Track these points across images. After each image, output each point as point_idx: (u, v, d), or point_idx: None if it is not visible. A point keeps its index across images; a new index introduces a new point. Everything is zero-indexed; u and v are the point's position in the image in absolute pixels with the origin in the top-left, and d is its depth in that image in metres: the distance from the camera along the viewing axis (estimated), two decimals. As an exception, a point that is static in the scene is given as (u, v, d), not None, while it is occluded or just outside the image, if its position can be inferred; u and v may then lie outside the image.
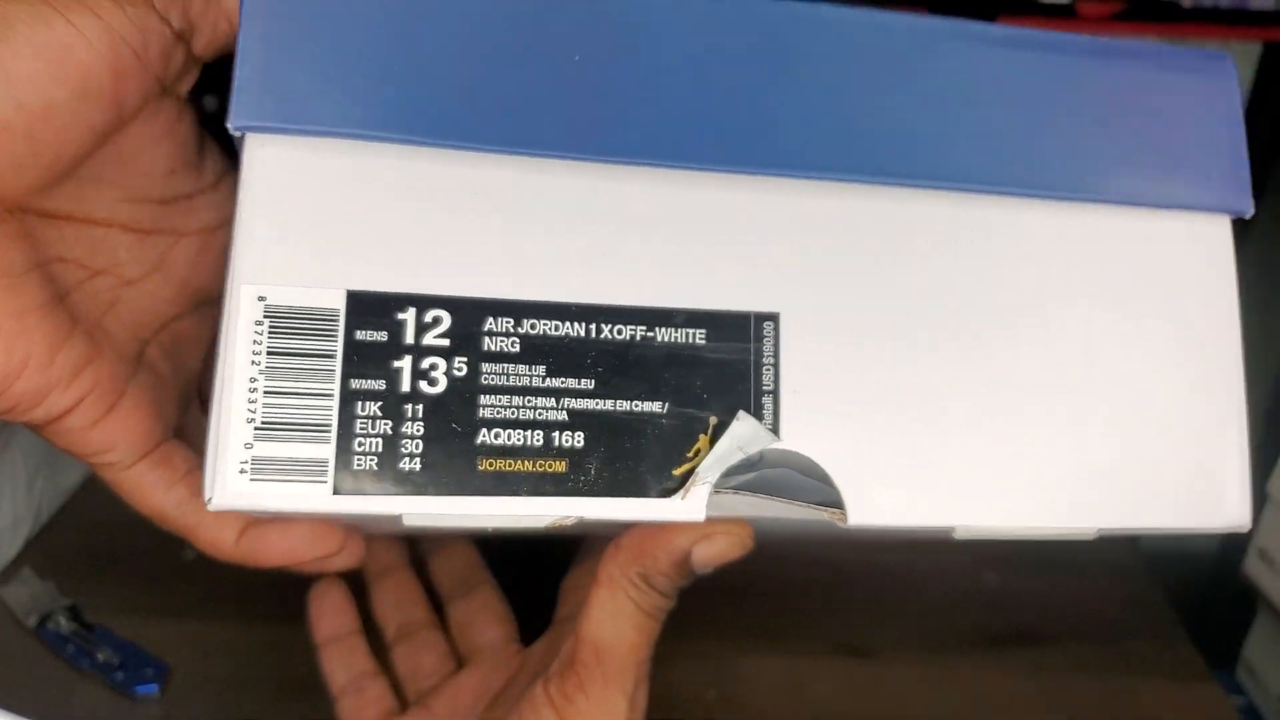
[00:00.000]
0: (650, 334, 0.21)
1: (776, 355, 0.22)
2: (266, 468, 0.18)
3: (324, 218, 0.20)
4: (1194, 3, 0.74)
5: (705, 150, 0.21)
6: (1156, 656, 0.60)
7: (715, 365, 0.21)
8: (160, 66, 0.22)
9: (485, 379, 0.20)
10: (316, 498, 0.19)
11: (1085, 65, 0.25)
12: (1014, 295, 0.24)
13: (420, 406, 0.20)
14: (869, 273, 0.23)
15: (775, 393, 0.22)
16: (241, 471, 0.18)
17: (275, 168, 0.19)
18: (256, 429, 0.18)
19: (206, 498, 0.19)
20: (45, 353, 0.21)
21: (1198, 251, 0.27)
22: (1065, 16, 0.76)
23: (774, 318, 0.22)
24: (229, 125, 0.20)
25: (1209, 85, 0.26)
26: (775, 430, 0.22)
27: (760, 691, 0.55)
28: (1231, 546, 0.79)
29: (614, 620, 0.26)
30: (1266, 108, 0.77)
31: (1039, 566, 0.68)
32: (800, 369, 0.22)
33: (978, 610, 0.64)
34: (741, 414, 0.21)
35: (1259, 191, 0.77)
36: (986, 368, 0.24)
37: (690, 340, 0.21)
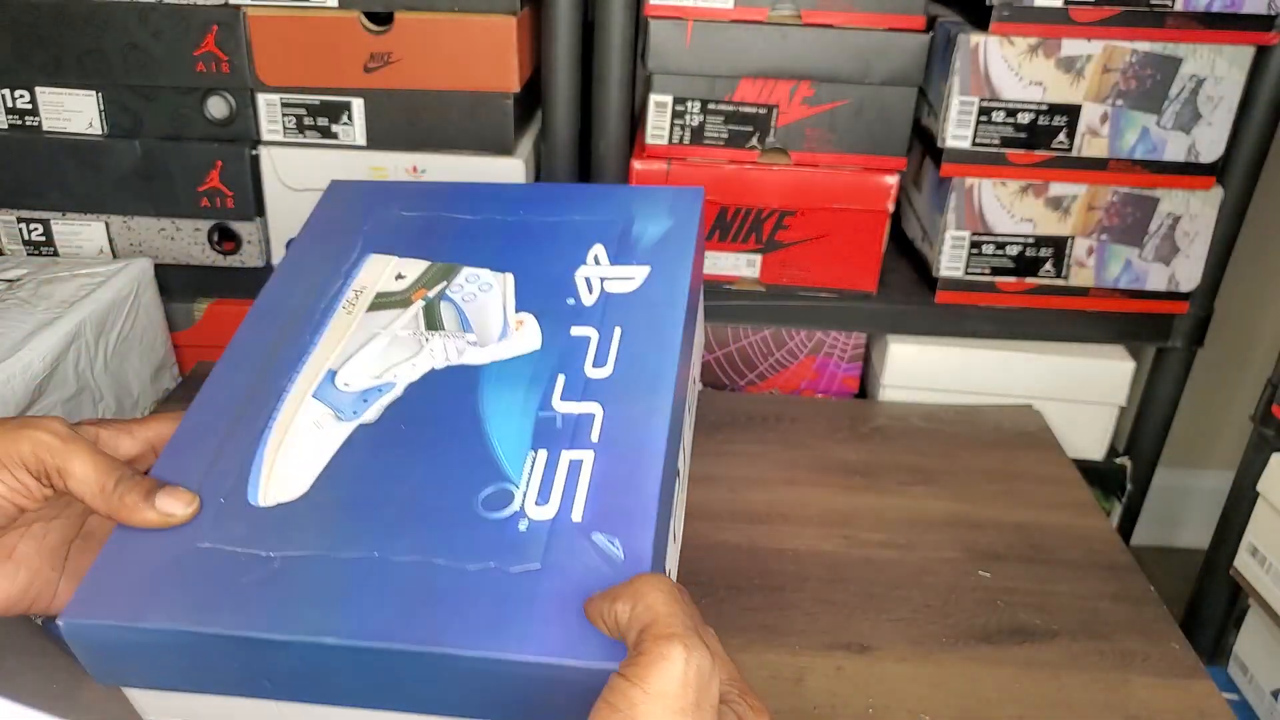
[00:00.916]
0: None
1: None
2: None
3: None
4: (1186, 6, 0.75)
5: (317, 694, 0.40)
6: (1149, 653, 0.61)
7: None
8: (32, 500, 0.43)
9: None
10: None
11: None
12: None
13: None
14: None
15: None
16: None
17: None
18: None
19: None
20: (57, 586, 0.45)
21: None
22: (1059, 21, 0.77)
23: None
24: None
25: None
26: None
27: (760, 685, 0.56)
28: (1223, 544, 0.80)
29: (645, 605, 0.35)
30: (1258, 111, 0.79)
31: (1033, 563, 0.69)
32: None
33: (972, 606, 0.64)
34: None
35: (1249, 189, 0.78)
36: None
37: None
